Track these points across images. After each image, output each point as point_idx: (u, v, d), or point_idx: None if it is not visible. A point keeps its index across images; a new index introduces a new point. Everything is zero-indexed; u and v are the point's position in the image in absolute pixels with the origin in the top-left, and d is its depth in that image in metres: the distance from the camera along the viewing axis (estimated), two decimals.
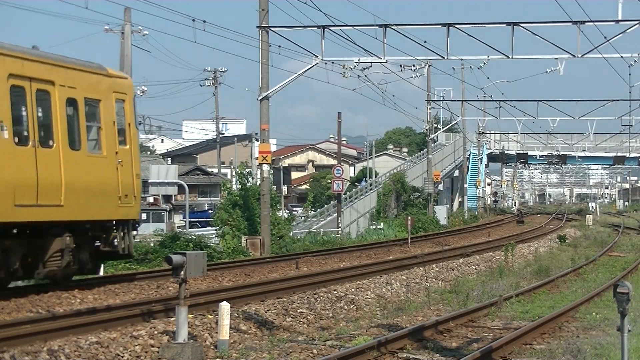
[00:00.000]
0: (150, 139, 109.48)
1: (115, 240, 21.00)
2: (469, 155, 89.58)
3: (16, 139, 18.03)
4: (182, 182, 49.89)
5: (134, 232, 22.22)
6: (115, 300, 18.49)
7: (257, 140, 54.99)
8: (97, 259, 21.31)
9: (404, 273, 26.08)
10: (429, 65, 49.54)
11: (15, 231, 18.77)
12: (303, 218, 51.22)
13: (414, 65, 43.98)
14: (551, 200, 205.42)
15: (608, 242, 43.67)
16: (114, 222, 21.03)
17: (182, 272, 13.61)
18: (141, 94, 47.39)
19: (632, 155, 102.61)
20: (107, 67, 21.29)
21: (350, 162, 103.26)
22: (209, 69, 62.79)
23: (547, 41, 33.36)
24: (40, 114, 18.91)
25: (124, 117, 21.43)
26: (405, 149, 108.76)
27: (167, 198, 65.20)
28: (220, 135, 79.57)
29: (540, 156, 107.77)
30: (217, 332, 14.74)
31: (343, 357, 12.94)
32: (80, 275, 21.02)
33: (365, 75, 41.73)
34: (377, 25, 33.24)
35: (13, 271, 18.73)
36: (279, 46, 34.04)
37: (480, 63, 40.09)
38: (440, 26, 33.12)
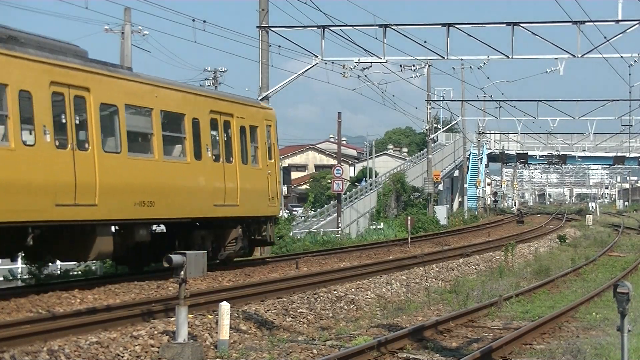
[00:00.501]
0: None
1: (265, 231, 27.28)
2: (469, 155, 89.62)
3: (213, 157, 24.48)
4: None
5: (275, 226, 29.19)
6: (115, 300, 18.48)
7: None
8: (252, 245, 27.72)
9: (404, 273, 26.08)
10: (429, 65, 49.57)
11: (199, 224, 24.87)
12: (303, 218, 51.20)
13: (414, 65, 44.03)
14: (551, 200, 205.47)
15: (608, 242, 43.67)
16: (264, 218, 27.13)
17: (182, 272, 13.60)
18: None
19: (632, 155, 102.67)
20: (260, 101, 28.58)
21: (350, 162, 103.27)
22: (209, 69, 62.82)
23: (547, 41, 33.41)
24: (225, 138, 25.24)
25: (270, 138, 27.71)
26: (405, 149, 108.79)
27: None
28: None
29: (540, 156, 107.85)
30: (217, 332, 14.73)
31: (343, 357, 12.93)
32: (240, 258, 27.33)
33: (365, 75, 41.80)
34: (377, 25, 33.28)
35: (206, 252, 21.88)
36: (279, 46, 34.10)
37: (480, 63, 40.19)
38: (440, 26, 33.16)
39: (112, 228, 21.04)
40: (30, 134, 18.14)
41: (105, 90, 20.23)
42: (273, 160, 27.79)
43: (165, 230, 24.88)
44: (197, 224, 24.67)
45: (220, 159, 24.83)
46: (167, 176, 22.35)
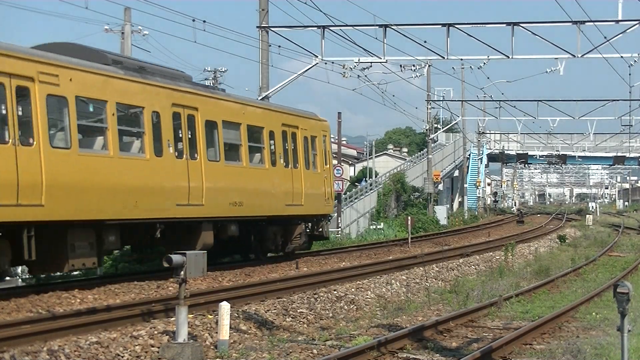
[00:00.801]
0: None
1: (321, 228, 31.49)
2: (469, 155, 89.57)
3: (284, 164, 28.58)
4: None
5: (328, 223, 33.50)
6: (115, 300, 18.48)
7: None
8: (311, 240, 32.10)
9: (404, 273, 26.09)
10: (429, 65, 49.54)
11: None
12: None
13: (414, 65, 44.04)
14: (551, 200, 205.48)
15: (608, 242, 43.66)
16: (321, 216, 31.53)
17: (182, 272, 13.59)
18: None
19: (632, 155, 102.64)
20: (317, 115, 32.19)
21: (350, 162, 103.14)
22: (209, 69, 62.78)
23: (547, 41, 33.43)
24: (293, 147, 29.35)
25: (325, 147, 31.89)
26: (405, 149, 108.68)
27: None
28: None
29: (540, 156, 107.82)
30: (217, 332, 14.74)
31: (343, 357, 12.93)
32: (300, 250, 30.99)
33: (365, 75, 41.81)
34: (377, 25, 33.30)
35: (277, 245, 29.28)
36: (279, 46, 34.11)
37: (480, 63, 40.19)
38: (440, 26, 33.17)
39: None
40: (159, 146, 22.20)
41: (208, 109, 24.54)
42: (328, 166, 32.19)
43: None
44: (262, 222, 28.36)
45: (289, 165, 29.03)
46: (252, 180, 26.76)
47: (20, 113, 17.72)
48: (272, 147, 28.06)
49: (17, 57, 17.85)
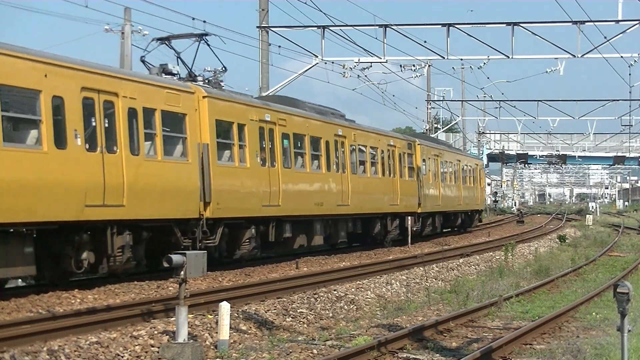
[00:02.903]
0: None
1: (480, 215, 58.71)
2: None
3: (472, 184, 54.54)
4: None
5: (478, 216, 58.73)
6: (115, 300, 18.48)
7: None
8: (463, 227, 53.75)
9: (404, 273, 26.07)
10: (429, 65, 49.62)
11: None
12: None
13: (414, 65, 44.15)
14: (551, 200, 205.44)
15: (608, 242, 43.63)
16: (480, 209, 57.54)
17: (182, 272, 13.58)
18: None
19: (632, 155, 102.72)
20: (477, 155, 69.69)
21: None
22: (208, 69, 62.68)
23: (547, 41, 33.53)
24: (468, 175, 53.86)
25: (482, 174, 58.74)
26: None
27: None
28: None
29: (540, 156, 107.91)
30: (217, 332, 14.73)
31: (343, 357, 12.93)
32: (472, 228, 55.57)
33: (365, 75, 41.87)
34: (377, 25, 33.38)
35: (465, 225, 53.51)
36: (279, 46, 34.19)
37: (480, 63, 40.37)
38: (440, 26, 33.25)
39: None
40: (320, 163, 31.67)
41: (445, 157, 47.55)
42: (483, 185, 58.37)
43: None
44: (465, 213, 52.73)
45: (467, 183, 52.13)
46: (468, 192, 51.70)
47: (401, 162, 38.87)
48: (468, 173, 51.70)
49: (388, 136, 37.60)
